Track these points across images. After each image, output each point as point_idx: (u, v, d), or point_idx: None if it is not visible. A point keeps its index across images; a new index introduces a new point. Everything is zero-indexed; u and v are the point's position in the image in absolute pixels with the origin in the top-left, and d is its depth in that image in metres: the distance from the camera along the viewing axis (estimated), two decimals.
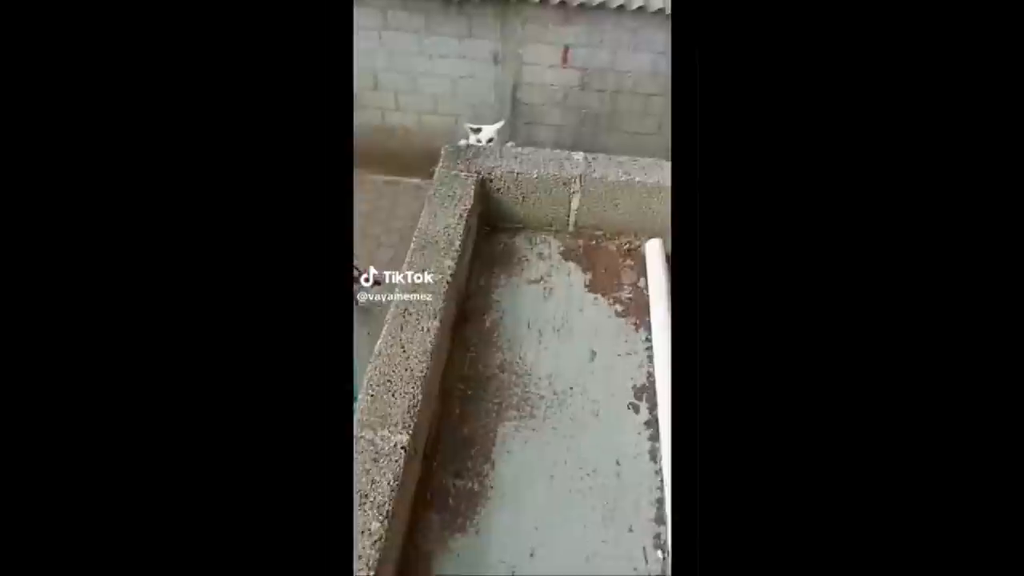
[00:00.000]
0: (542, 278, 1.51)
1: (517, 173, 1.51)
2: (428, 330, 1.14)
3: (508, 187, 1.53)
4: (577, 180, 1.51)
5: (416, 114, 4.62)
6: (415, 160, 4.82)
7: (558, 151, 1.57)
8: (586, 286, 1.49)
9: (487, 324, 1.39)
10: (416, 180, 4.84)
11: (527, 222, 1.62)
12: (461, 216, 1.39)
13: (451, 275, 1.26)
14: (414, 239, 1.34)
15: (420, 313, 1.17)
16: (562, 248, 1.59)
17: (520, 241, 1.60)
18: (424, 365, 1.08)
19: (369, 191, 4.77)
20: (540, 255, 1.56)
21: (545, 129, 4.62)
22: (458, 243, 1.33)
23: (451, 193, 1.45)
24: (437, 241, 1.33)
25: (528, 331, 1.38)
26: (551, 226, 1.62)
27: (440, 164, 1.54)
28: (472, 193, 1.45)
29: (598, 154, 1.56)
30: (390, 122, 4.65)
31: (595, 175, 1.51)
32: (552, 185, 1.52)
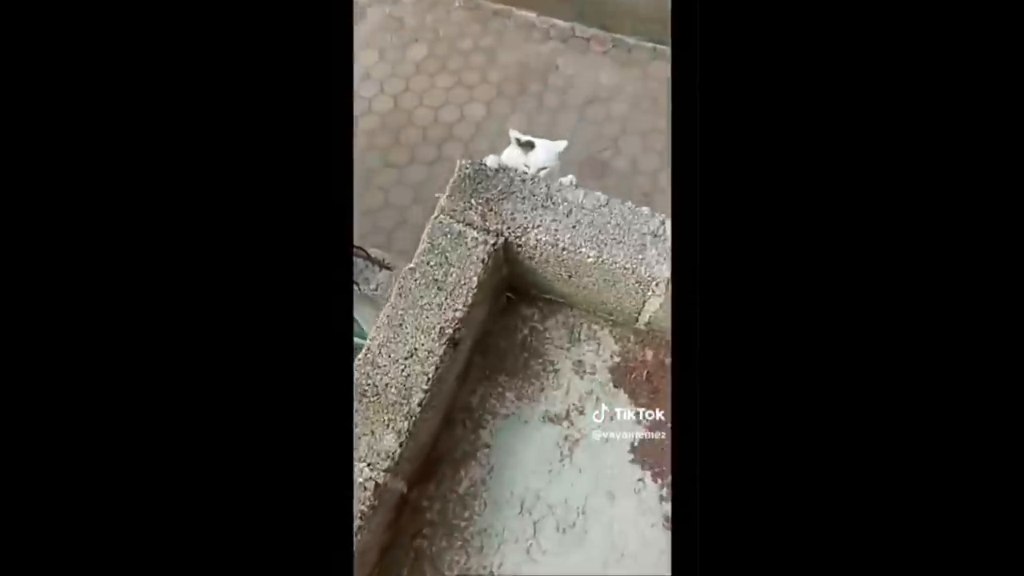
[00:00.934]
0: (568, 414, 0.95)
1: (563, 248, 0.88)
2: None
3: (548, 260, 0.92)
4: (662, 284, 0.86)
5: None
6: None
7: (643, 209, 0.89)
8: (633, 449, 0.93)
9: (460, 489, 0.90)
10: (532, 14, 3.94)
11: (573, 300, 1.01)
12: (442, 331, 0.83)
13: (387, 471, 0.76)
14: (358, 362, 0.82)
15: None
16: (616, 359, 0.99)
17: (555, 328, 1.01)
18: None
19: (472, 24, 3.96)
20: (578, 365, 0.99)
21: None
22: (419, 399, 0.79)
23: (438, 276, 0.86)
24: (386, 387, 0.79)
25: (519, 519, 0.89)
26: (610, 315, 1.01)
27: (445, 197, 0.92)
28: (476, 280, 0.86)
29: None
30: None
31: None
32: (620, 278, 0.89)
